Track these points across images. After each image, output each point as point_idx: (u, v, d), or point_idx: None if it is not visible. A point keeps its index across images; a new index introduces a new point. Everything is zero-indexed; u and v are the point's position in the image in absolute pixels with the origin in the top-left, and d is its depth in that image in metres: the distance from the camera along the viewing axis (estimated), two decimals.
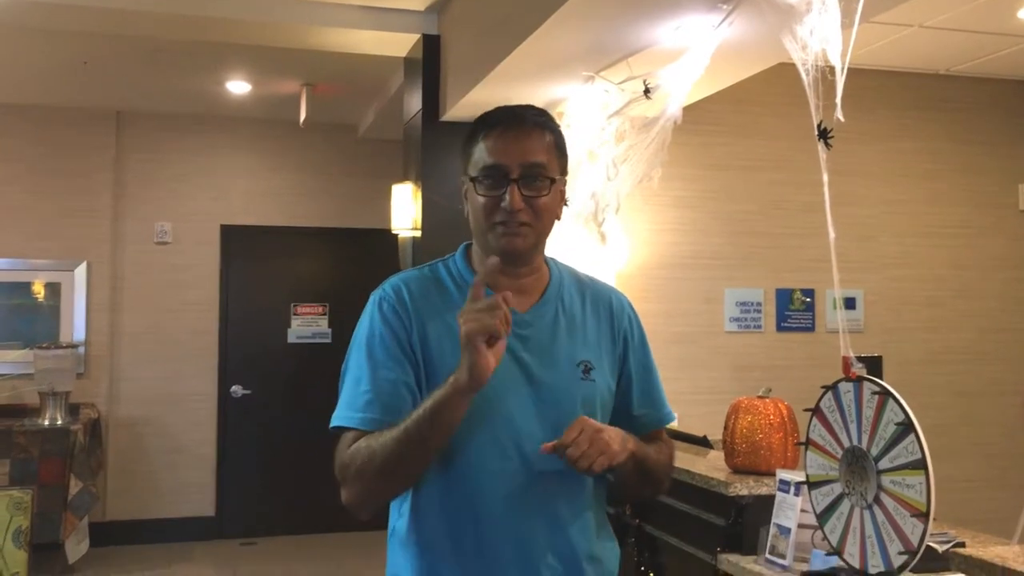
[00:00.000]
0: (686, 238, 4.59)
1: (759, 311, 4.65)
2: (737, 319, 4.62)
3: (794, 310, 4.69)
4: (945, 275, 4.98)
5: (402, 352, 1.62)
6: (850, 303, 4.77)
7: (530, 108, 1.68)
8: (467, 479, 1.58)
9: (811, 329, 4.73)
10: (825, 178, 2.25)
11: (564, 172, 1.67)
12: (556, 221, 1.68)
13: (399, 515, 1.71)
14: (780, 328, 4.69)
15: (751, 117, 4.73)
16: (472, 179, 1.64)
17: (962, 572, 1.71)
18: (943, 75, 4.97)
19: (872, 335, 4.75)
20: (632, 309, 1.82)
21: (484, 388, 1.46)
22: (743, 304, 4.63)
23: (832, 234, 2.25)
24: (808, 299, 4.71)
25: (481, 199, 1.61)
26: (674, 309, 4.56)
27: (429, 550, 1.62)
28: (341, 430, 1.67)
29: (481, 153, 1.62)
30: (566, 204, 1.73)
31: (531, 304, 1.67)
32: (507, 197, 1.57)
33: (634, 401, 1.77)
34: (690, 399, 4.38)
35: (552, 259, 1.77)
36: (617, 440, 1.55)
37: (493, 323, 1.42)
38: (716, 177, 4.67)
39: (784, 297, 4.70)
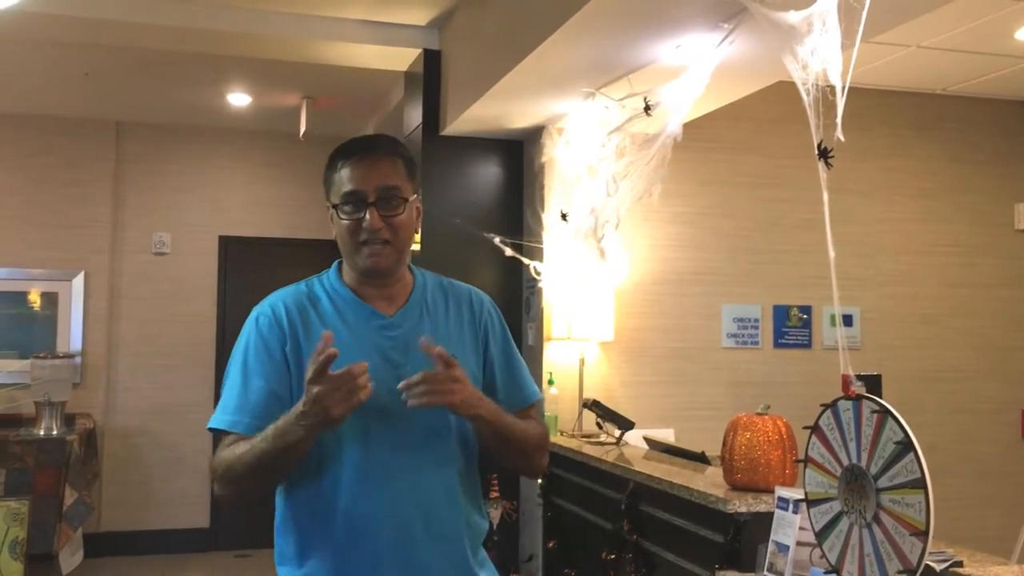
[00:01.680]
0: (684, 254, 4.61)
1: (756, 327, 4.67)
2: (734, 335, 4.64)
3: (791, 327, 4.71)
4: (941, 293, 5.00)
5: (272, 364, 1.77)
6: (847, 320, 4.79)
7: (381, 137, 1.87)
8: (347, 472, 1.72)
9: (808, 346, 4.74)
10: (825, 197, 2.26)
11: (416, 191, 1.85)
12: (415, 234, 1.88)
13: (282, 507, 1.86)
14: (777, 344, 4.70)
15: (750, 134, 4.75)
16: (334, 205, 1.79)
17: None
18: (940, 95, 5.01)
19: (868, 352, 4.76)
20: (492, 305, 1.97)
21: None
22: (740, 320, 4.65)
23: (832, 253, 2.26)
24: (805, 316, 4.73)
25: (345, 222, 1.77)
26: (672, 325, 4.57)
27: (305, 537, 1.80)
28: (219, 432, 1.77)
29: (341, 181, 1.77)
30: (419, 219, 1.89)
31: (397, 309, 1.84)
32: (367, 218, 1.74)
33: (499, 386, 1.91)
34: (687, 415, 4.39)
35: (417, 268, 1.94)
36: (469, 396, 1.69)
37: (358, 399, 1.57)
38: (715, 193, 4.69)
39: (781, 314, 4.71)
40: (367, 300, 1.80)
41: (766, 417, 2.73)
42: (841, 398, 2.26)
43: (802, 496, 2.39)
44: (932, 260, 5.00)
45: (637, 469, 3.26)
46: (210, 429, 1.77)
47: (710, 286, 4.64)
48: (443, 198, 4.65)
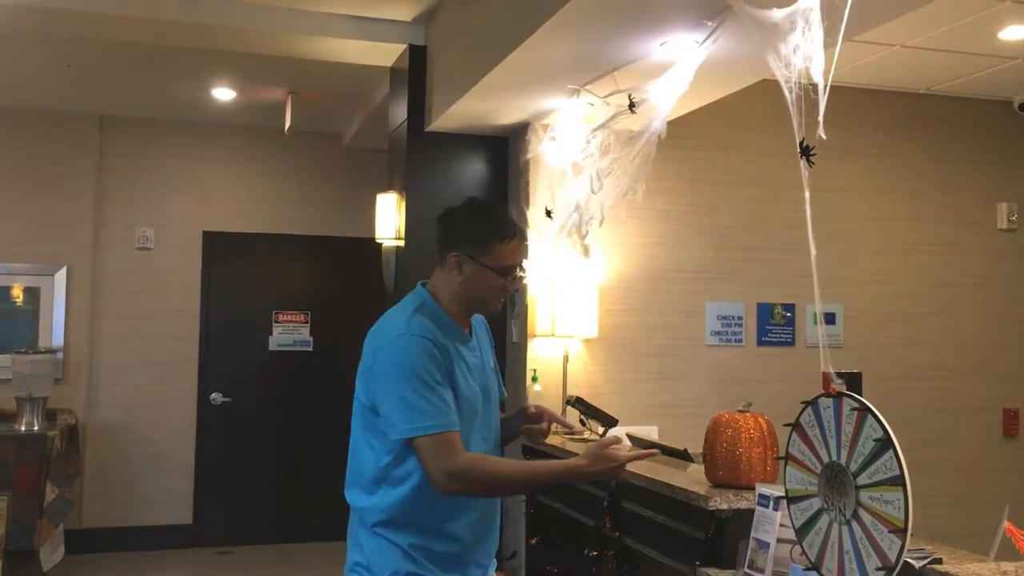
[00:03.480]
0: (668, 251, 4.61)
1: (740, 325, 4.68)
2: (718, 333, 4.65)
3: (775, 324, 4.72)
4: (924, 292, 5.02)
5: (445, 380, 2.22)
6: (830, 318, 4.81)
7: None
8: None
9: (791, 344, 4.75)
10: (807, 195, 2.27)
11: None
12: None
13: (391, 506, 2.24)
14: (761, 342, 4.71)
15: (735, 132, 4.76)
16: (494, 269, 2.27)
17: None
18: (924, 94, 5.03)
19: (851, 351, 4.78)
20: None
21: (471, 402, 2.27)
22: (724, 318, 4.66)
23: (813, 251, 2.26)
24: (789, 314, 4.74)
25: (496, 284, 2.29)
26: (656, 322, 4.58)
27: (424, 531, 2.23)
28: (436, 434, 2.15)
29: (506, 253, 2.28)
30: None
31: (469, 331, 2.38)
32: (515, 284, 2.35)
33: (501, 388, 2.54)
34: (671, 412, 4.40)
35: None
36: None
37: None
38: (699, 191, 4.70)
39: (765, 312, 4.72)
40: (461, 327, 2.34)
41: (748, 414, 2.73)
42: (822, 395, 2.27)
43: (783, 493, 2.40)
44: (915, 259, 5.02)
45: None
46: (438, 433, 2.14)
47: (694, 283, 4.65)
48: (428, 194, 4.64)
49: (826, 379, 2.22)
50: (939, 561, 2.46)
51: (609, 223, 3.88)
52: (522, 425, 2.48)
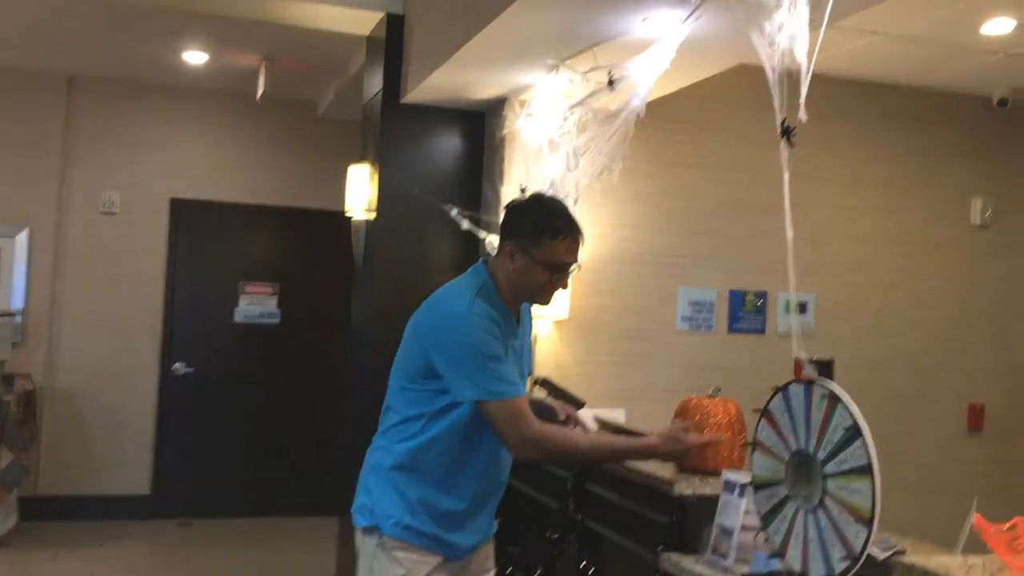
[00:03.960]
0: (643, 234, 4.56)
1: (711, 311, 4.65)
2: (689, 318, 4.61)
3: (746, 312, 4.70)
4: (896, 283, 5.02)
5: (506, 357, 2.39)
6: (802, 307, 4.79)
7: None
8: (496, 444, 2.42)
9: (762, 332, 4.73)
10: (786, 176, 2.22)
11: None
12: None
13: (411, 451, 2.43)
14: (732, 329, 4.68)
15: (713, 116, 4.71)
16: (542, 263, 2.40)
17: None
18: (903, 87, 5.00)
19: (822, 340, 4.76)
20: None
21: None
22: (696, 304, 4.62)
23: (790, 232, 2.22)
24: (760, 301, 4.72)
25: (544, 279, 2.43)
26: (627, 305, 4.54)
27: (434, 483, 2.43)
28: (507, 401, 2.32)
29: (558, 249, 2.41)
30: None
31: (516, 320, 2.52)
32: (564, 281, 2.47)
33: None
34: (640, 396, 4.37)
35: None
36: None
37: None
38: (677, 175, 4.65)
39: (737, 298, 4.69)
40: (511, 311, 2.48)
41: (716, 400, 2.70)
42: (792, 382, 2.23)
43: (749, 480, 2.37)
44: (889, 250, 5.01)
45: None
46: (510, 399, 2.32)
47: (667, 268, 4.60)
48: (401, 167, 4.56)
49: (798, 365, 2.18)
50: (903, 552, 2.44)
51: (583, 203, 3.81)
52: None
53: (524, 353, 2.57)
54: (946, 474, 4.94)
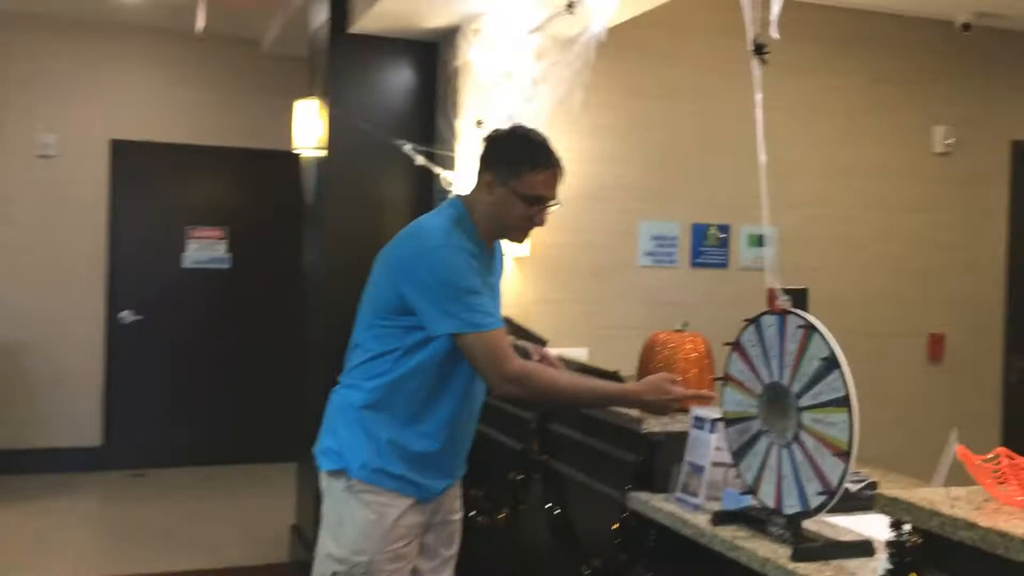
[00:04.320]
0: (604, 168, 4.43)
1: (674, 246, 4.55)
2: (651, 253, 4.52)
3: (709, 246, 4.61)
4: (859, 216, 4.95)
5: (484, 291, 2.30)
6: (763, 240, 4.71)
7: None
8: (471, 382, 2.38)
9: (725, 266, 4.65)
10: (758, 97, 2.11)
11: None
12: None
13: (381, 388, 2.33)
14: (694, 264, 4.60)
15: (675, 45, 4.56)
16: (520, 196, 2.32)
17: (886, 514, 1.62)
18: (866, 11, 4.88)
19: (786, 274, 4.61)
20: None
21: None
22: (658, 238, 4.52)
23: (763, 158, 2.11)
24: (723, 235, 4.63)
25: (522, 213, 2.35)
26: (589, 241, 4.42)
27: (405, 422, 2.34)
28: (485, 334, 2.24)
29: (535, 182, 2.32)
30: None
31: (490, 252, 2.45)
32: (541, 217, 2.38)
33: None
34: (603, 333, 4.28)
35: None
36: None
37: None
38: (638, 106, 4.50)
39: (699, 232, 4.60)
40: (487, 247, 2.42)
41: (684, 334, 2.61)
42: (765, 313, 2.15)
43: (719, 415, 2.29)
44: (850, 181, 4.94)
45: None
46: (487, 331, 2.23)
47: (629, 202, 4.49)
48: (351, 101, 4.37)
49: (771, 296, 2.09)
50: (874, 486, 2.39)
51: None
52: None
53: (496, 291, 2.49)
54: (907, 405, 4.94)
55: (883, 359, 4.94)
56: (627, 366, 3.37)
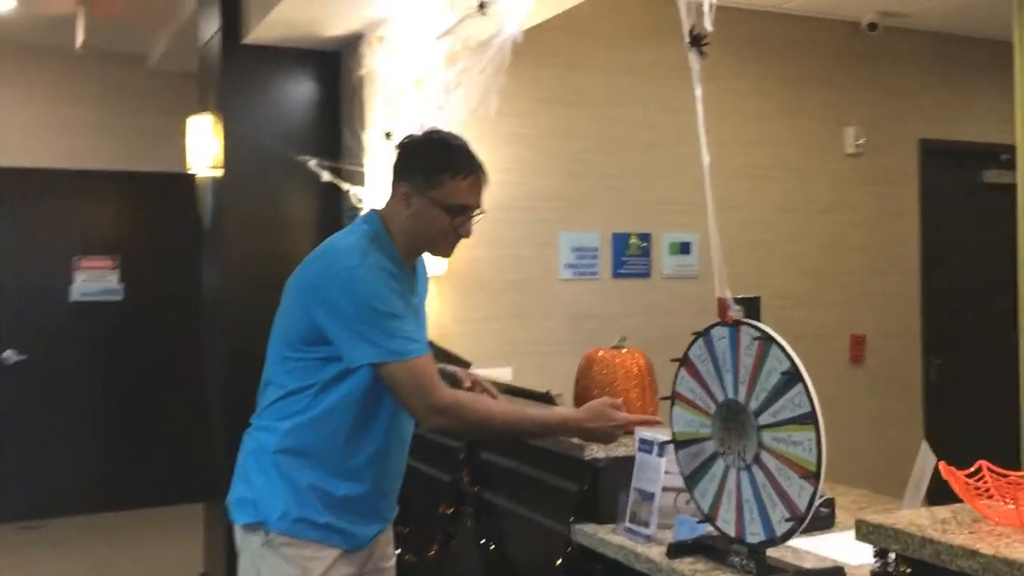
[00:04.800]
0: (519, 178, 4.26)
1: (595, 257, 4.41)
2: (572, 265, 4.36)
3: (631, 256, 4.48)
4: (773, 219, 4.91)
5: (406, 314, 2.08)
6: (685, 248, 4.62)
7: None
8: (397, 415, 2.14)
9: (647, 275, 4.53)
10: (698, 92, 1.96)
11: None
12: None
13: (298, 429, 2.09)
14: (616, 275, 4.47)
15: (588, 49, 4.43)
16: (441, 205, 2.11)
17: (869, 542, 1.47)
18: (776, 13, 4.85)
19: (706, 281, 4.58)
20: None
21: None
22: (579, 250, 4.37)
23: (706, 159, 1.96)
24: (645, 244, 4.52)
25: (445, 224, 2.13)
26: (507, 255, 4.24)
27: (328, 468, 2.09)
28: (409, 362, 2.02)
29: (457, 190, 2.12)
30: None
31: (413, 274, 2.22)
32: (467, 228, 2.17)
33: None
34: (525, 351, 4.11)
35: None
36: None
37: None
38: (552, 113, 4.36)
39: (620, 242, 4.47)
40: (407, 265, 2.19)
41: (623, 351, 2.44)
42: (716, 325, 1.99)
43: (668, 437, 2.13)
44: (765, 185, 4.88)
45: None
46: (412, 359, 2.01)
47: (547, 213, 4.33)
48: (248, 116, 4.10)
49: (722, 305, 1.94)
50: (831, 502, 2.26)
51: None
52: None
53: (420, 313, 2.27)
54: (831, 406, 4.85)
55: (805, 362, 4.85)
56: (556, 384, 3.20)
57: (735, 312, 1.88)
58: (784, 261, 4.94)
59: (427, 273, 2.37)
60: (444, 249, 2.21)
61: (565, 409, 2.29)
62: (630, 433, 2.22)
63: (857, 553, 1.97)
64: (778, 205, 4.94)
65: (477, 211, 2.18)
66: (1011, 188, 5.43)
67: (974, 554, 1.31)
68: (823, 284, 5.03)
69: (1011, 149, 5.14)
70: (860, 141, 5.05)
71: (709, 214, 1.99)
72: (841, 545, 2.05)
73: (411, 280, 2.20)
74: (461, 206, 2.13)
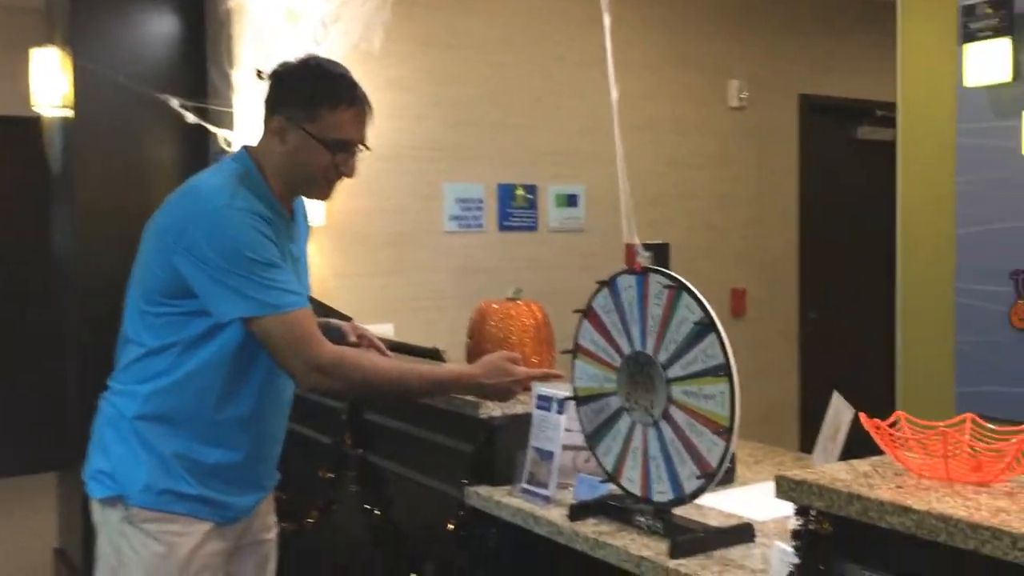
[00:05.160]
0: (401, 125, 4.05)
1: (481, 209, 4.26)
2: (458, 217, 4.20)
3: (517, 208, 4.35)
4: (662, 172, 4.86)
5: (279, 262, 1.87)
6: (572, 200, 4.51)
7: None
8: (273, 374, 1.93)
9: (534, 228, 4.41)
10: (607, 20, 1.81)
11: None
12: None
13: (162, 392, 1.87)
14: (502, 227, 4.33)
15: None
16: (321, 140, 1.90)
17: (790, 500, 1.38)
18: None
19: (592, 234, 4.53)
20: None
21: None
22: (463, 201, 4.21)
23: (615, 93, 1.83)
24: (531, 196, 4.39)
25: (325, 161, 1.92)
26: (389, 206, 4.04)
27: (195, 434, 1.88)
28: (285, 315, 1.82)
29: (338, 122, 1.91)
30: None
31: (290, 218, 2.01)
32: (348, 166, 1.96)
33: None
34: (409, 306, 3.93)
35: None
36: None
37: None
38: (435, 56, 4.14)
39: (506, 193, 4.33)
40: (284, 208, 1.98)
41: (519, 303, 2.30)
42: (623, 272, 1.87)
43: (569, 393, 2.01)
44: (653, 137, 4.82)
45: None
46: (287, 312, 1.82)
47: (431, 163, 4.14)
48: (102, 52, 3.72)
49: (630, 252, 1.81)
50: (732, 457, 2.20)
51: None
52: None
53: (301, 263, 2.06)
54: None
55: None
56: (442, 341, 3.06)
57: (644, 259, 1.76)
58: (672, 214, 4.91)
59: (308, 217, 2.16)
60: (323, 190, 1.99)
61: (458, 365, 2.13)
62: (528, 390, 2.09)
63: (761, 508, 1.92)
64: (667, 158, 4.89)
65: (360, 146, 1.97)
66: (885, 144, 5.59)
67: (906, 510, 1.23)
68: (707, 238, 5.04)
69: (887, 105, 5.26)
70: (743, 95, 5.05)
71: (618, 158, 1.87)
72: (742, 500, 1.99)
73: (287, 225, 1.99)
74: (342, 141, 1.92)
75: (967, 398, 3.35)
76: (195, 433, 1.88)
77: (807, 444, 4.38)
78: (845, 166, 5.49)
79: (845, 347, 5.36)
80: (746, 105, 5.08)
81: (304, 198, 2.09)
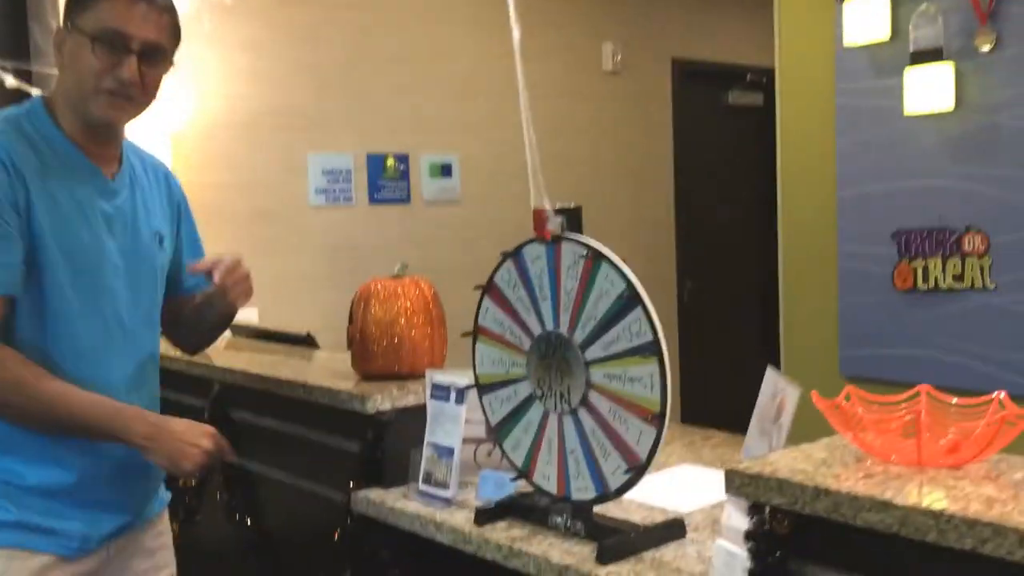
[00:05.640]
0: (259, 91, 3.69)
1: (349, 181, 3.95)
2: (324, 191, 3.88)
3: (388, 179, 4.06)
4: (538, 139, 4.65)
5: (18, 220, 1.52)
6: (446, 170, 4.26)
7: None
8: (80, 357, 1.60)
9: (407, 200, 4.14)
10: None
11: (174, 55, 1.67)
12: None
13: None
14: (373, 200, 4.04)
15: None
16: (89, 36, 1.54)
17: (746, 496, 1.20)
18: None
19: (470, 205, 4.30)
20: (177, 180, 1.89)
21: (87, 261, 1.59)
22: (330, 173, 3.89)
23: (516, 33, 1.61)
24: (403, 166, 4.11)
25: (96, 63, 1.55)
26: (249, 180, 3.69)
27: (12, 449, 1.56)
28: None
29: (106, 13, 1.55)
30: None
31: (114, 172, 1.68)
32: (124, 68, 1.55)
33: (183, 271, 1.86)
34: (277, 289, 3.60)
35: None
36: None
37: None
38: (294, 15, 3.80)
39: (376, 164, 4.04)
40: (88, 157, 1.63)
41: (406, 280, 2.04)
42: (530, 242, 1.65)
43: (469, 381, 1.78)
44: (529, 102, 4.61)
45: (221, 365, 2.44)
46: None
47: (293, 132, 3.80)
48: None
49: (539, 218, 1.60)
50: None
51: (181, 51, 2.89)
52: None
53: (144, 231, 1.72)
54: None
55: None
56: (311, 324, 2.80)
57: (556, 226, 1.54)
58: (550, 184, 4.71)
59: (171, 184, 1.84)
60: (102, 106, 1.57)
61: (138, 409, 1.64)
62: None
63: (682, 497, 1.76)
64: (544, 125, 4.66)
65: (140, 44, 1.56)
66: (754, 110, 5.58)
67: (886, 506, 1.06)
68: (586, 207, 4.87)
69: (758, 70, 5.23)
70: (617, 58, 4.91)
71: (524, 120, 1.65)
72: (659, 488, 1.81)
73: (87, 173, 1.62)
74: (111, 32, 1.53)
75: (851, 361, 3.33)
76: (6, 447, 1.54)
77: (688, 416, 4.30)
78: (717, 131, 5.45)
79: (724, 315, 5.33)
80: (620, 69, 4.94)
81: (167, 169, 1.86)
